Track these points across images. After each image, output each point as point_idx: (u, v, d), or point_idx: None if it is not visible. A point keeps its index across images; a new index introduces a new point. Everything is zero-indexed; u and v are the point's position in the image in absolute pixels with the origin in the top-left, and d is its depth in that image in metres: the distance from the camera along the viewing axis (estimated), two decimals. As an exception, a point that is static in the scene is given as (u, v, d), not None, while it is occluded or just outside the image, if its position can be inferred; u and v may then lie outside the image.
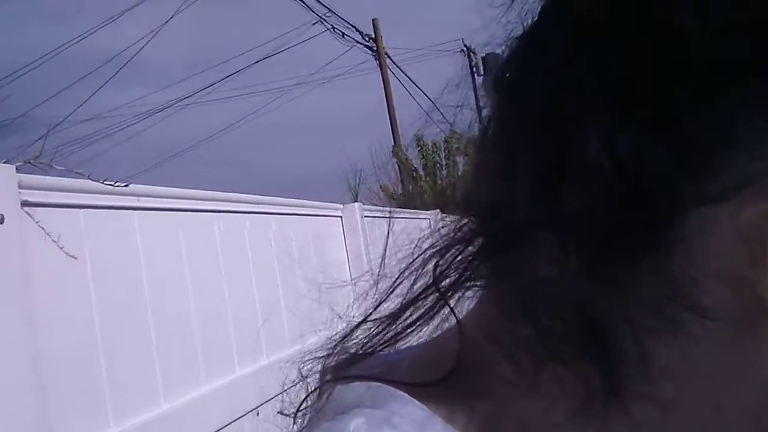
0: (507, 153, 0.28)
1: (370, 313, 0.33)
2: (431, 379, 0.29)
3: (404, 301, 0.32)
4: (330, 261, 3.61)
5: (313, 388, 0.33)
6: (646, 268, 0.25)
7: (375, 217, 4.35)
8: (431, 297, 0.31)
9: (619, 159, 0.23)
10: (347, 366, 0.33)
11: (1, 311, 1.55)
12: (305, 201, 3.74)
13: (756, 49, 0.22)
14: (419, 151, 12.97)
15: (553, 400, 0.27)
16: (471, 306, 0.31)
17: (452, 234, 0.31)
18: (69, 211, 1.88)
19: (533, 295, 0.26)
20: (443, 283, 0.30)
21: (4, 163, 1.68)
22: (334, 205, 4.12)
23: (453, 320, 0.31)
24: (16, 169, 1.68)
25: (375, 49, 13.20)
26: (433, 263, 0.31)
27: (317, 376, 0.33)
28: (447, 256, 0.31)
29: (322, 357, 0.34)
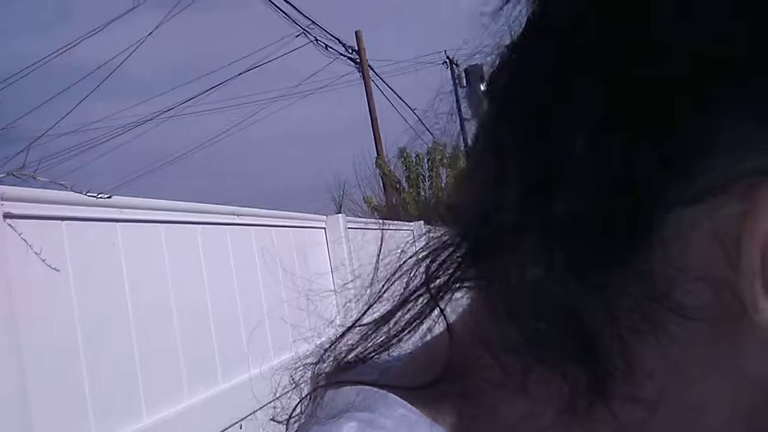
0: (496, 159, 0.28)
1: (361, 317, 0.33)
2: (421, 382, 0.29)
3: (395, 303, 0.32)
4: (314, 272, 3.61)
5: (304, 395, 0.33)
6: (628, 270, 0.25)
7: (359, 228, 4.35)
8: (422, 299, 0.31)
9: (603, 162, 0.24)
10: (339, 372, 0.33)
11: (-17, 324, 1.53)
12: (289, 212, 3.74)
13: (737, 53, 0.22)
14: (402, 162, 12.99)
15: (540, 402, 0.27)
16: (462, 310, 0.31)
17: (441, 239, 0.31)
18: (51, 223, 1.87)
19: (520, 298, 0.26)
20: (433, 284, 0.31)
21: (-14, 174, 1.67)
22: (318, 216, 4.12)
23: (444, 324, 0.31)
24: (-1, 180, 1.67)
25: (358, 61, 13.23)
26: (424, 266, 0.31)
27: (308, 382, 0.34)
28: (437, 259, 0.31)
29: (313, 364, 0.34)
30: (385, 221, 6.24)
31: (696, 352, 0.25)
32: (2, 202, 1.66)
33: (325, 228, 4.07)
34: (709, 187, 0.23)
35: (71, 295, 1.88)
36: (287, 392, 0.36)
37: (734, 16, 0.23)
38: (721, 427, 0.26)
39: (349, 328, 0.33)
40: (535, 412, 0.28)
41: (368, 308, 0.33)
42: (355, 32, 13.39)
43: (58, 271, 1.81)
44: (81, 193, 1.87)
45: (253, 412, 2.61)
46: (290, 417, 0.34)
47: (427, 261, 0.31)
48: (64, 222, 1.90)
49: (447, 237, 0.31)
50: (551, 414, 0.27)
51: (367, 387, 0.30)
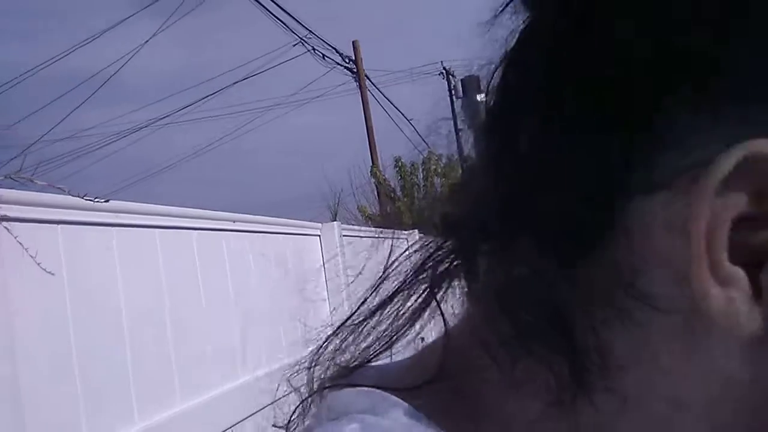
0: (489, 162, 0.29)
1: (357, 308, 0.33)
2: (421, 382, 0.30)
3: (386, 300, 0.33)
4: (309, 279, 3.61)
5: (303, 399, 0.34)
6: (596, 260, 0.26)
7: (354, 236, 4.36)
8: (415, 299, 0.32)
9: (578, 159, 0.25)
10: (338, 374, 0.33)
11: (-22, 326, 1.54)
12: (285, 219, 3.74)
13: (683, 50, 0.24)
14: (397, 171, 13.00)
15: (529, 396, 0.28)
16: (459, 314, 0.32)
17: (436, 244, 0.32)
18: (47, 226, 1.87)
19: (510, 293, 0.28)
20: (430, 283, 0.31)
21: (-17, 178, 1.68)
22: (313, 224, 4.12)
23: (435, 327, 0.32)
24: (-5, 184, 1.68)
25: (355, 70, 13.27)
26: (420, 267, 0.32)
27: (307, 385, 0.34)
28: (433, 262, 0.32)
29: (309, 367, 0.34)
30: (381, 230, 6.24)
31: (669, 345, 0.26)
32: (-1, 205, 1.66)
33: (320, 235, 4.08)
34: (661, 179, 0.25)
35: (66, 299, 1.88)
36: (284, 396, 0.36)
37: (677, 23, 0.25)
38: (695, 423, 0.26)
39: (344, 322, 0.34)
40: (524, 406, 0.28)
41: (364, 301, 0.33)
42: (352, 42, 13.45)
43: (53, 274, 1.81)
44: (78, 196, 1.87)
45: (248, 416, 2.61)
46: (289, 421, 0.34)
47: (425, 264, 0.32)
48: (60, 226, 1.91)
49: (441, 242, 0.32)
50: (539, 407, 0.28)
51: (367, 389, 0.30)
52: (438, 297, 0.32)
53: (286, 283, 3.36)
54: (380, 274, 0.33)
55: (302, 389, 0.34)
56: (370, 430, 0.28)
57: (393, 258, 0.34)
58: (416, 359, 0.33)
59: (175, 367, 2.38)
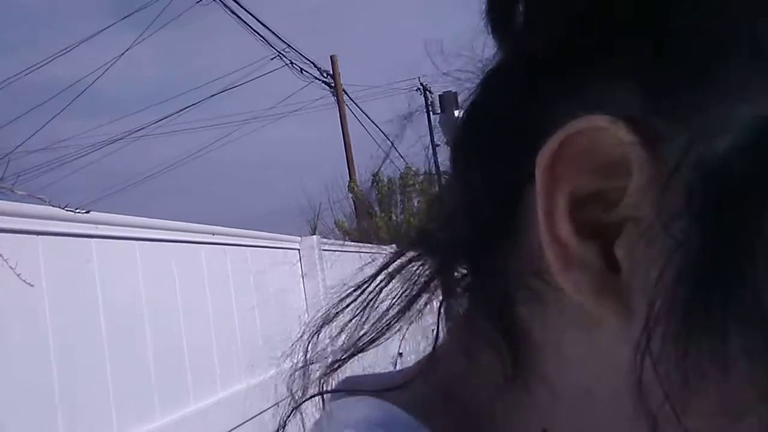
0: (461, 183, 0.30)
1: (336, 316, 0.33)
2: (411, 385, 0.30)
3: (376, 270, 0.33)
4: (287, 291, 3.62)
5: (296, 404, 0.33)
6: (511, 246, 0.27)
7: (333, 250, 4.38)
8: (395, 309, 0.32)
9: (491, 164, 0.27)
10: (329, 377, 0.33)
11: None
12: (264, 233, 3.76)
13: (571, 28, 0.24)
14: (375, 186, 13.03)
15: (490, 387, 0.28)
16: (448, 324, 0.33)
17: (413, 257, 0.32)
18: (27, 237, 1.87)
19: (482, 289, 0.29)
20: (409, 284, 0.32)
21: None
22: (292, 237, 4.14)
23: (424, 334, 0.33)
24: (-24, 194, 1.68)
25: (333, 85, 13.31)
26: (397, 277, 0.32)
27: (298, 392, 0.33)
28: (409, 274, 0.32)
29: (299, 370, 0.34)
30: (360, 244, 6.24)
31: (573, 332, 0.25)
32: (-20, 216, 1.67)
33: (299, 249, 4.09)
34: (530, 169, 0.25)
35: (45, 310, 1.88)
36: (269, 408, 0.36)
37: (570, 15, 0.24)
38: (605, 414, 0.25)
39: (321, 328, 0.33)
40: (489, 399, 0.29)
41: (345, 296, 0.33)
42: (330, 56, 13.49)
43: (32, 285, 1.81)
44: (59, 207, 1.88)
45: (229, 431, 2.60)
46: (282, 426, 0.34)
47: (405, 276, 0.32)
48: (40, 237, 1.91)
49: (417, 255, 0.32)
50: (497, 398, 0.28)
51: (362, 394, 0.31)
52: (416, 307, 0.32)
53: (264, 296, 3.36)
54: (360, 286, 0.33)
55: (290, 395, 0.33)
56: None
57: (372, 272, 0.34)
58: (412, 365, 0.33)
59: (155, 378, 2.37)
